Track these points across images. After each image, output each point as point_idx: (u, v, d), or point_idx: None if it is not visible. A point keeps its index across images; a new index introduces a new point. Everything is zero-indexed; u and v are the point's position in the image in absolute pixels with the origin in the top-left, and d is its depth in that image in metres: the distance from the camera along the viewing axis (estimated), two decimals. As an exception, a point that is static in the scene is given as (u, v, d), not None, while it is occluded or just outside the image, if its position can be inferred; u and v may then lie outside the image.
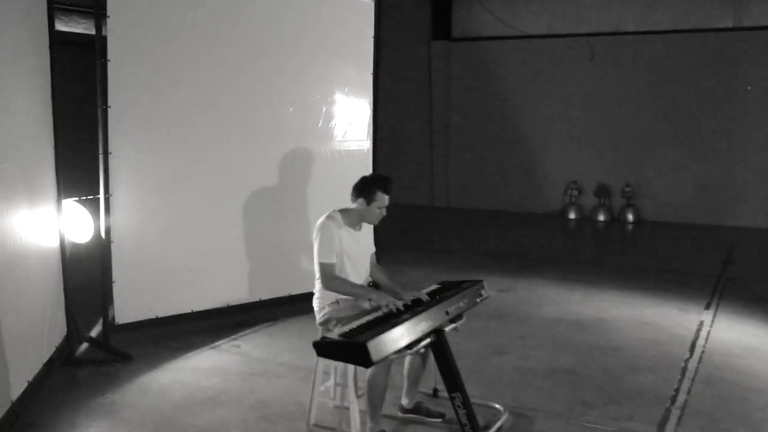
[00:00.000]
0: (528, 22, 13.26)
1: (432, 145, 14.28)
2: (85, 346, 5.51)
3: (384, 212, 4.28)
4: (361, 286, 4.24)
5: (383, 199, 4.23)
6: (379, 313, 3.93)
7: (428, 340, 3.83)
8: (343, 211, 4.28)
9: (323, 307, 4.26)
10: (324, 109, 6.62)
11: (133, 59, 5.45)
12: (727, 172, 11.98)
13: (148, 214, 5.69)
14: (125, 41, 5.37)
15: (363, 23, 6.82)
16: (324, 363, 4.24)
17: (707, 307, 6.93)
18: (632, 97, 12.55)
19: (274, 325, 6.36)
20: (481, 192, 13.94)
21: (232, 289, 6.24)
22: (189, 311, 5.95)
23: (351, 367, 4.08)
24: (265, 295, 6.45)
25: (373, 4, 6.81)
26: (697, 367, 5.31)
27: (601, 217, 12.79)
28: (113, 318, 5.53)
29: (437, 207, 14.31)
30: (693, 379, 5.07)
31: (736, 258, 9.36)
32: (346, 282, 4.16)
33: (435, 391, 4.67)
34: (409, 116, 14.17)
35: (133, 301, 5.61)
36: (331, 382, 4.47)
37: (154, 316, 5.76)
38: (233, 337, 6.01)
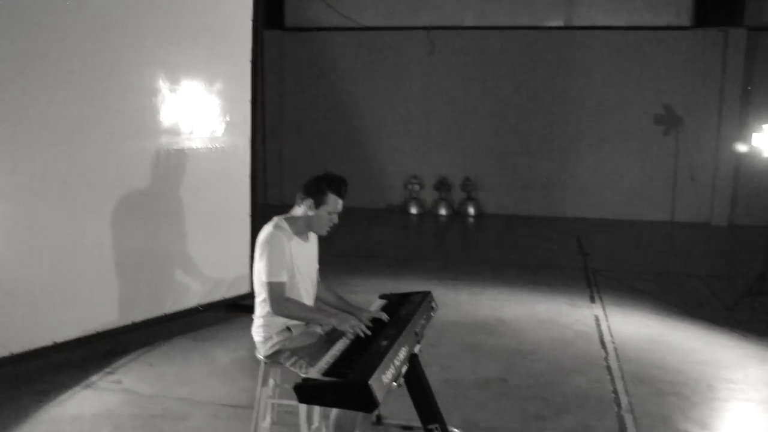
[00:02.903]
0: (364, 13, 12.93)
1: (264, 141, 13.52)
2: None
3: (335, 219, 3.65)
4: (319, 309, 3.60)
5: (336, 204, 3.60)
6: (346, 340, 3.34)
7: (405, 368, 3.31)
8: (290, 219, 3.62)
9: (270, 336, 3.54)
10: (196, 103, 5.76)
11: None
12: (562, 165, 12.44)
13: (-3, 228, 4.60)
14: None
15: (239, 5, 6.05)
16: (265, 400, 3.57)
17: (593, 301, 7.00)
18: (471, 91, 12.64)
19: (152, 350, 5.47)
20: (318, 188, 13.37)
21: (99, 312, 5.24)
22: (51, 343, 4.91)
23: (303, 406, 3.45)
24: (138, 317, 5.52)
25: (250, -17, 6.07)
26: (620, 366, 5.24)
27: (443, 211, 12.79)
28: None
29: (272, 205, 13.53)
30: (623, 379, 4.98)
31: (588, 249, 9.67)
32: (302, 305, 3.49)
33: (378, 418, 4.16)
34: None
35: (-19, 338, 4.52)
36: (267, 422, 3.80)
37: (8, 354, 4.67)
38: (107, 369, 5.06)
